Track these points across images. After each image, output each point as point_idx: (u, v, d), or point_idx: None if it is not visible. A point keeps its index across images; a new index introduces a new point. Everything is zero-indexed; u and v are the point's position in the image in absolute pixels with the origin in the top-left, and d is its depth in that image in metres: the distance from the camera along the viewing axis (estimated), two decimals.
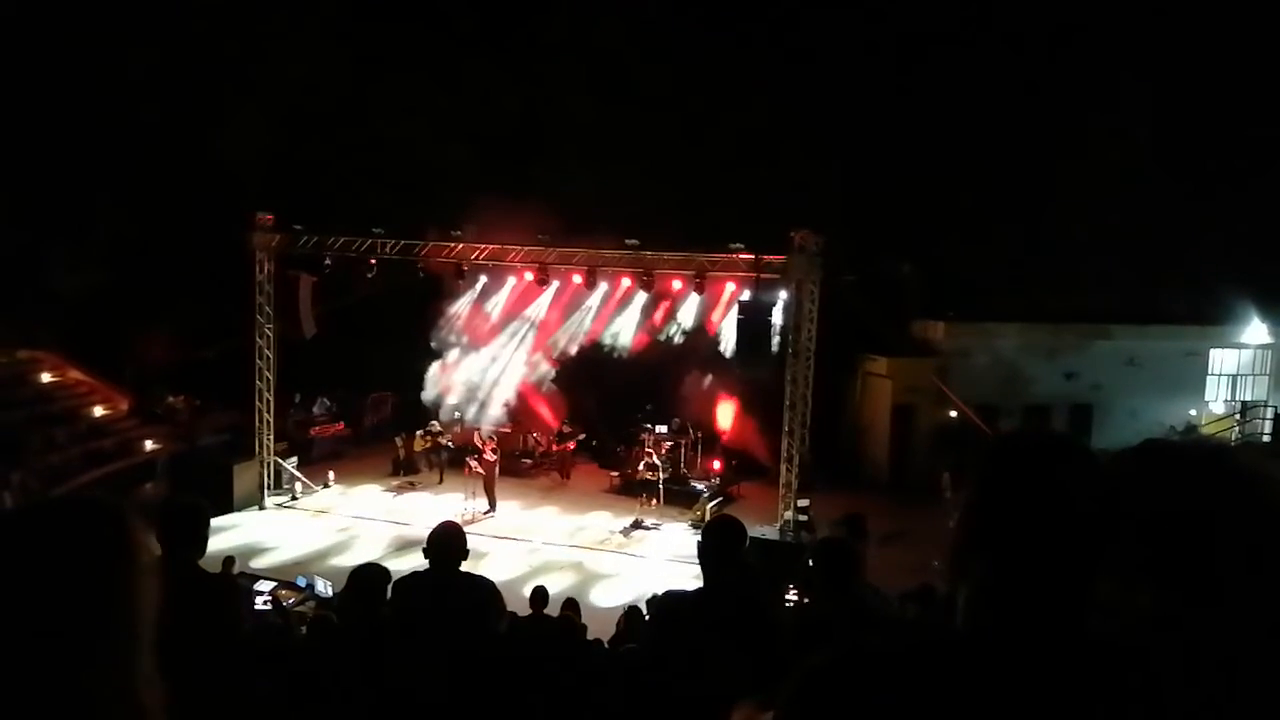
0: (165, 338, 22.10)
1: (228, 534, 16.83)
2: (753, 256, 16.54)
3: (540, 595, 8.83)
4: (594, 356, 22.04)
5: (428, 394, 22.73)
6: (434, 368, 22.86)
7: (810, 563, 4.78)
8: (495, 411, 22.88)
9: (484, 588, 5.11)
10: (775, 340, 18.65)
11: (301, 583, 13.66)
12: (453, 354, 22.96)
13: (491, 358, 23.02)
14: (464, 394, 23.08)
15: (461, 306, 22.23)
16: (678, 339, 21.17)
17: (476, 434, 19.78)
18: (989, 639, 1.25)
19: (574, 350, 22.39)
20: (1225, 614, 1.20)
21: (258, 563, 15.43)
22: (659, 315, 20.78)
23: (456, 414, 22.90)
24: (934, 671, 1.24)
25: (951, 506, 1.41)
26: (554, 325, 22.41)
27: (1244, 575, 1.21)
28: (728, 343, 21.65)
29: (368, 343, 22.55)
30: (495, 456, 19.24)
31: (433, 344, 22.69)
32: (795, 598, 11.07)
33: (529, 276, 18.74)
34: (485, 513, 18.93)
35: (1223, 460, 1.30)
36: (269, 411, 20.00)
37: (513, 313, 22.40)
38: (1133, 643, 1.21)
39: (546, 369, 22.99)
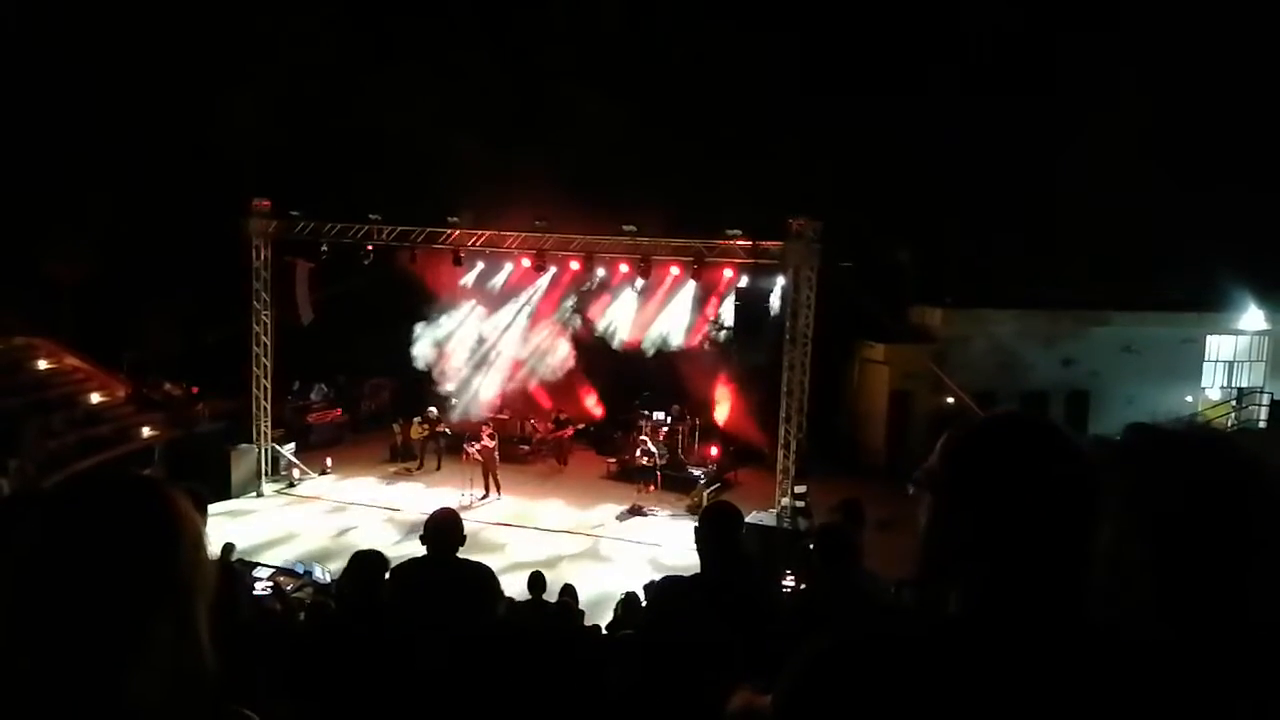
0: (162, 324, 22.06)
1: (225, 520, 16.84)
2: (750, 243, 16.52)
3: (538, 581, 8.85)
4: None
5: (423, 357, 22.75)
6: (427, 345, 22.87)
7: (810, 548, 4.79)
8: (491, 397, 22.93)
9: (481, 573, 5.12)
10: (772, 325, 18.66)
11: (300, 569, 13.71)
12: (450, 338, 22.97)
13: (490, 342, 23.06)
14: (461, 379, 23.12)
15: (461, 292, 22.23)
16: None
17: (486, 427, 19.71)
18: (986, 625, 1.25)
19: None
20: (1228, 604, 1.20)
21: (256, 549, 15.44)
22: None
23: (453, 400, 22.93)
24: (934, 657, 1.24)
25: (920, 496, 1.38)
26: (551, 309, 22.47)
27: (1249, 566, 1.21)
28: (725, 329, 21.71)
29: (365, 329, 22.52)
30: (494, 442, 19.24)
31: (430, 324, 22.71)
32: (792, 583, 11.11)
33: (526, 263, 18.75)
34: (483, 498, 18.96)
35: (1224, 451, 1.30)
36: (266, 398, 19.98)
37: (510, 297, 22.43)
38: (1135, 630, 1.21)
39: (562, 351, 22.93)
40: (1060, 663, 1.19)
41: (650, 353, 21.64)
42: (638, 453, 20.01)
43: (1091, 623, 1.22)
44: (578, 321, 22.52)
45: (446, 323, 22.85)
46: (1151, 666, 1.19)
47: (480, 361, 23.26)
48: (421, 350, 22.76)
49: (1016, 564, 1.25)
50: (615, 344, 21.91)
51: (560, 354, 22.75)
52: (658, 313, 21.26)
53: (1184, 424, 1.34)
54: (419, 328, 22.63)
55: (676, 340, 21.23)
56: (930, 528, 1.35)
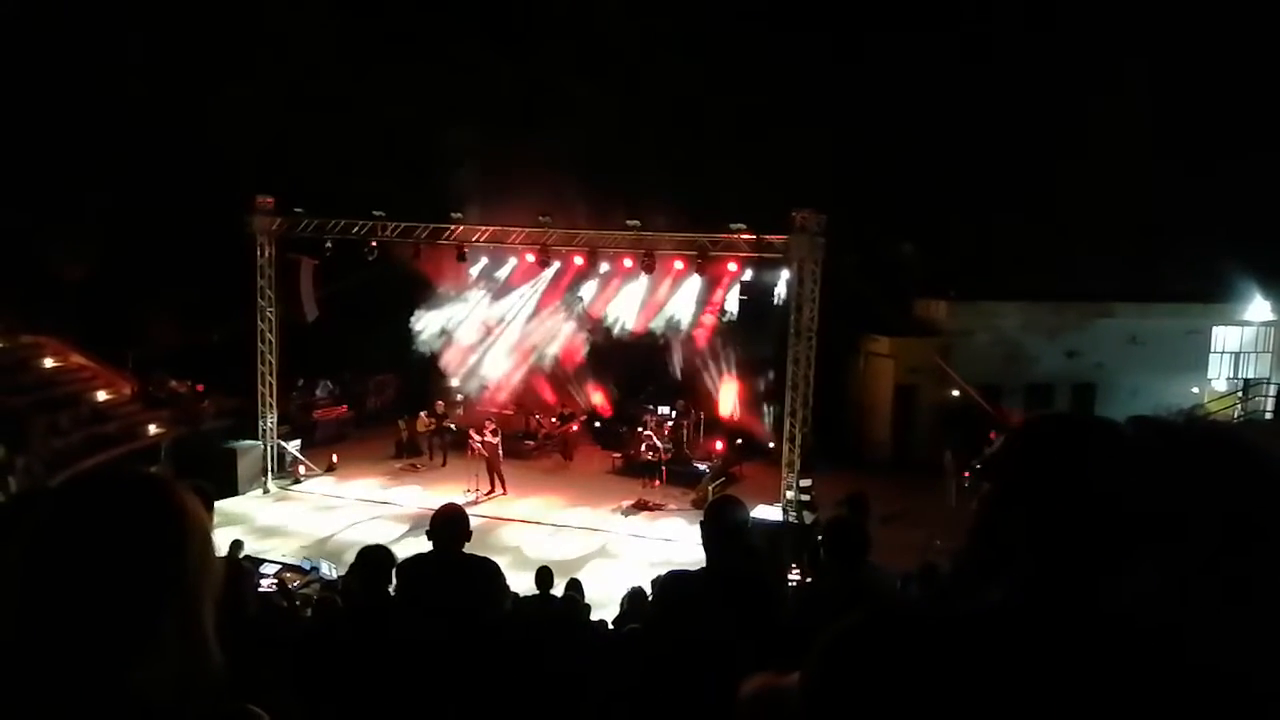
0: (168, 322, 22.10)
1: (231, 517, 16.87)
2: (754, 236, 16.49)
3: (545, 576, 8.86)
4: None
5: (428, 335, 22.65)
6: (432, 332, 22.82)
7: (819, 539, 4.79)
8: (496, 391, 22.90)
9: (487, 568, 5.14)
10: (777, 319, 18.61)
11: (306, 565, 13.75)
12: (453, 320, 22.94)
13: (495, 333, 23.03)
14: (466, 371, 23.12)
15: (466, 282, 22.21)
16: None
17: (489, 423, 19.70)
18: (1033, 612, 1.25)
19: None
20: (1229, 598, 1.20)
21: (262, 545, 15.48)
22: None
23: (459, 395, 22.93)
24: (966, 640, 1.24)
25: (969, 488, 1.40)
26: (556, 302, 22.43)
27: (1252, 559, 1.21)
28: (730, 323, 21.63)
29: (370, 325, 22.54)
30: (497, 438, 19.25)
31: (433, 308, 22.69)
32: (798, 577, 11.11)
33: (530, 258, 18.74)
34: (488, 493, 18.98)
35: (1227, 443, 1.30)
36: (272, 395, 20.02)
37: (514, 291, 22.40)
38: (1145, 618, 1.22)
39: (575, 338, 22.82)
40: (1100, 652, 1.20)
41: (661, 340, 21.56)
42: (643, 448, 20.03)
43: (1107, 612, 1.23)
44: (581, 307, 22.46)
45: (450, 310, 22.83)
46: (1163, 655, 1.20)
47: (485, 353, 23.25)
48: (426, 334, 22.76)
49: (1066, 561, 1.26)
50: (621, 334, 21.85)
51: (565, 345, 22.71)
52: (664, 299, 21.19)
53: (1185, 416, 1.34)
54: (419, 312, 22.64)
55: (684, 323, 21.12)
56: (985, 516, 1.36)
